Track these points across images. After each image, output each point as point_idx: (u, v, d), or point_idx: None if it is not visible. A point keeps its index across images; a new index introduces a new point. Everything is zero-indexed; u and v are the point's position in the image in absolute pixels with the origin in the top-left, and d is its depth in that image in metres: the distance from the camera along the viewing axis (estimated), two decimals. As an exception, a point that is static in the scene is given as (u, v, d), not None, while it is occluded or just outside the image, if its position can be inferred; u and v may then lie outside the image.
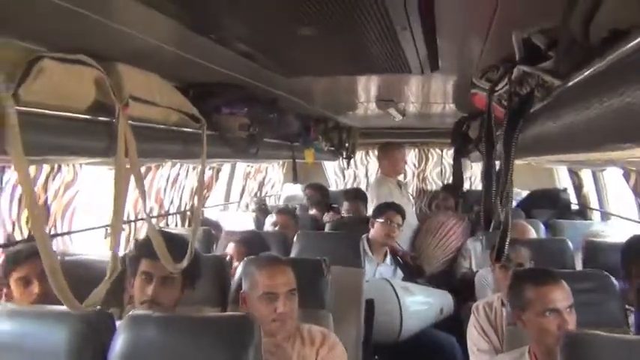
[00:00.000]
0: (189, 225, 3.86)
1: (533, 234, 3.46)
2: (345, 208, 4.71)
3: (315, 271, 2.48)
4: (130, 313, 1.67)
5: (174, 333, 1.61)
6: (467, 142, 3.61)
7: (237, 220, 4.34)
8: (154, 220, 3.49)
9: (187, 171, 3.77)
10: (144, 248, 1.98)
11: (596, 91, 0.92)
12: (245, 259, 2.42)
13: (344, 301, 2.80)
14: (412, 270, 4.10)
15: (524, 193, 5.58)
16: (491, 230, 1.56)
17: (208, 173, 4.20)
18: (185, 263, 1.57)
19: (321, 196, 5.23)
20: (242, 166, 5.18)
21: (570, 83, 1.05)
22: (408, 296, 3.46)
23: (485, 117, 1.47)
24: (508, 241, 1.48)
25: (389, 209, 3.78)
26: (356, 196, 4.80)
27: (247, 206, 4.93)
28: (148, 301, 1.93)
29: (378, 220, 3.71)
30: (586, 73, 0.98)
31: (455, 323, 3.71)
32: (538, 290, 1.99)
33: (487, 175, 1.51)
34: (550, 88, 1.16)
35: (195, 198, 3.87)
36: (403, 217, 3.78)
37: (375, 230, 3.71)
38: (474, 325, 2.70)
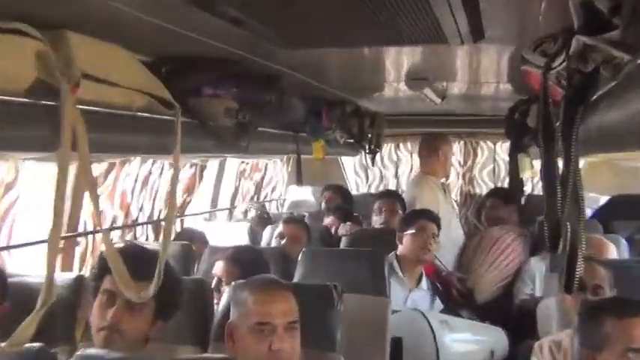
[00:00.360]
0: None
1: (613, 252, 3.42)
2: (376, 214, 4.69)
3: (322, 300, 2.47)
4: (79, 352, 1.68)
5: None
6: (524, 134, 3.59)
7: (228, 231, 4.35)
8: (118, 233, 3.53)
9: (162, 168, 3.78)
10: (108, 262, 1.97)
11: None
12: (233, 282, 2.43)
13: (362, 341, 2.80)
14: (459, 297, 4.10)
15: (603, 200, 5.54)
16: (559, 251, 1.54)
17: (189, 172, 4.21)
18: (152, 289, 1.58)
19: (342, 200, 5.23)
20: (235, 163, 5.20)
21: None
22: (448, 334, 3.45)
23: (541, 100, 1.46)
24: (580, 264, 1.47)
25: (420, 217, 3.79)
26: (392, 196, 4.78)
27: (246, 213, 4.94)
28: (107, 327, 1.93)
29: (407, 232, 3.72)
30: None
31: (509, 367, 3.70)
32: (619, 324, 1.99)
33: (548, 176, 1.50)
34: (619, 66, 1.14)
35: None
36: (439, 227, 3.80)
37: (405, 245, 3.72)
38: None
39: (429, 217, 3.81)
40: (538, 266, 4.33)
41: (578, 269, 1.52)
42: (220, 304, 2.51)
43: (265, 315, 2.01)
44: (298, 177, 3.62)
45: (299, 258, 3.28)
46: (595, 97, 1.30)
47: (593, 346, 2.05)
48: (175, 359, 1.76)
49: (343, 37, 2.03)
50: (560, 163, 1.55)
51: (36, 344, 1.61)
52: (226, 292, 2.50)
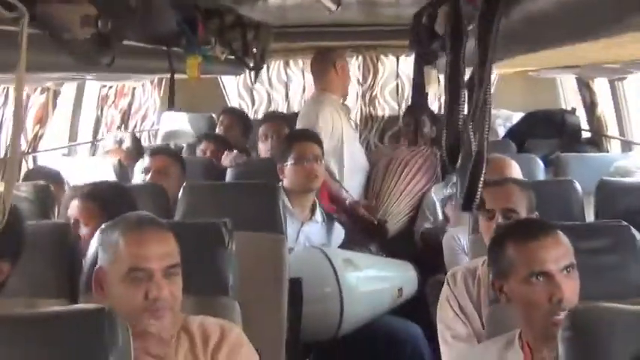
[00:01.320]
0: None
1: (516, 171, 3.54)
2: (261, 141, 4.69)
3: (211, 239, 2.47)
4: None
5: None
6: (430, 43, 3.63)
7: (91, 168, 4.24)
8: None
9: (7, 95, 3.62)
10: None
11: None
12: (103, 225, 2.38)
13: (257, 283, 2.82)
14: (369, 228, 4.19)
15: (516, 117, 5.75)
16: (458, 166, 1.58)
17: (40, 99, 4.05)
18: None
19: (243, 126, 5.15)
20: (95, 87, 5.04)
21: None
22: (351, 272, 3.54)
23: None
24: (482, 181, 1.51)
25: (298, 141, 3.81)
26: (278, 118, 4.77)
27: (120, 142, 4.79)
28: None
29: (287, 162, 3.74)
30: None
31: (418, 306, 3.84)
32: (521, 247, 2.07)
33: (452, 87, 1.52)
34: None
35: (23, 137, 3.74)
36: (321, 146, 3.84)
37: (288, 177, 3.75)
38: (449, 300, 2.79)
39: (309, 138, 3.84)
40: (440, 194, 4.48)
41: (479, 187, 1.55)
42: (89, 250, 2.46)
43: (140, 259, 1.99)
44: (171, 100, 3.52)
45: (179, 194, 3.23)
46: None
47: (500, 274, 2.14)
48: (41, 311, 1.70)
49: None
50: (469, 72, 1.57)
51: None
52: (95, 236, 2.45)
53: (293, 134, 3.98)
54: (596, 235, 2.38)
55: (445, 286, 2.82)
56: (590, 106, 4.96)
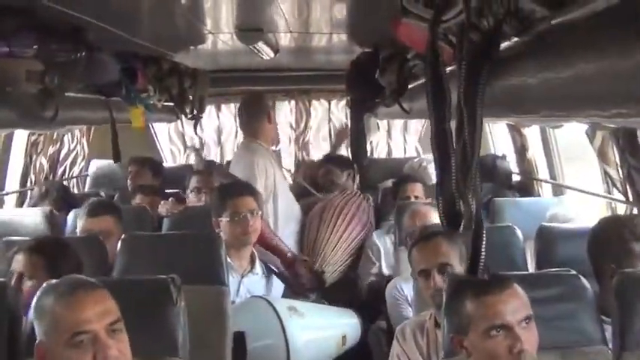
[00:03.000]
0: None
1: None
2: (194, 194, 4.63)
3: (159, 297, 2.41)
4: None
5: None
6: (373, 92, 3.67)
7: (21, 220, 4.10)
8: None
9: None
10: None
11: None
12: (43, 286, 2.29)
13: (200, 338, 2.75)
14: (309, 283, 4.15)
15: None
16: (461, 230, 1.57)
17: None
18: None
19: (152, 175, 5.10)
20: (23, 134, 4.90)
21: (562, 19, 1.05)
22: (296, 320, 3.49)
23: (429, 58, 1.47)
24: (484, 247, 1.51)
25: (229, 195, 3.72)
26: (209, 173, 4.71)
27: (46, 194, 4.64)
28: None
29: (222, 217, 3.67)
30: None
31: (361, 354, 3.82)
32: (479, 302, 2.08)
33: (440, 145, 1.51)
34: (529, 20, 1.17)
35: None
36: (256, 198, 3.78)
37: (224, 232, 3.65)
38: (399, 357, 2.79)
39: (243, 192, 3.75)
40: (382, 241, 4.49)
41: (482, 253, 1.56)
42: (30, 311, 2.35)
43: (80, 323, 1.93)
44: (115, 152, 3.44)
45: (118, 247, 3.15)
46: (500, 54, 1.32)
47: (459, 329, 2.15)
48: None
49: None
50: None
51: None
52: (36, 297, 2.35)
53: (227, 188, 3.86)
54: (548, 285, 2.41)
55: (395, 342, 2.82)
56: (521, 150, 5.07)
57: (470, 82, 1.31)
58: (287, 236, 4.41)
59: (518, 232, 3.35)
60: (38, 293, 2.10)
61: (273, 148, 4.94)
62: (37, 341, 2.00)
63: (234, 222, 3.64)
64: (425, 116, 3.19)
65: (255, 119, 4.65)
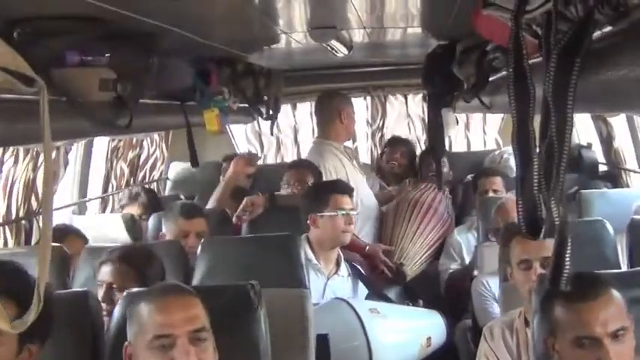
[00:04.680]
0: (27, 242, 3.65)
1: None
2: (284, 188, 4.60)
3: (242, 303, 2.39)
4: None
5: None
6: (450, 85, 3.58)
7: (104, 226, 4.15)
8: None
9: (16, 157, 3.55)
10: None
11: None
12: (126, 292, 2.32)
13: (282, 342, 2.72)
14: (388, 273, 4.10)
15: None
16: (542, 237, 1.48)
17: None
18: (31, 315, 1.43)
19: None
20: (104, 141, 4.98)
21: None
22: (378, 322, 3.45)
23: (512, 52, 1.38)
24: (568, 256, 1.41)
25: (334, 191, 3.73)
26: (303, 166, 4.59)
27: (136, 197, 4.69)
28: None
29: (323, 212, 3.65)
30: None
31: (448, 355, 3.74)
32: (568, 309, 2.00)
33: (522, 144, 1.43)
34: (624, 7, 1.08)
35: (34, 198, 3.66)
36: (352, 197, 3.78)
37: (322, 229, 3.66)
38: (487, 357, 2.72)
39: (344, 190, 3.77)
40: (464, 237, 4.41)
41: (566, 263, 1.47)
42: (113, 318, 2.37)
43: (163, 326, 1.94)
44: (192, 155, 3.44)
45: (198, 251, 3.15)
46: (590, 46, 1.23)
47: (549, 332, 2.08)
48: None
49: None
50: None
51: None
52: (119, 302, 2.37)
53: (328, 185, 3.88)
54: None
55: (482, 341, 2.76)
56: (607, 139, 4.88)
57: (560, 77, 1.22)
58: (366, 234, 4.37)
59: (609, 226, 3.20)
60: (126, 296, 2.13)
61: (350, 144, 4.87)
62: (126, 342, 2.03)
63: (336, 218, 3.64)
64: (506, 111, 3.09)
65: (325, 119, 4.68)
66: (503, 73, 2.65)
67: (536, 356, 2.25)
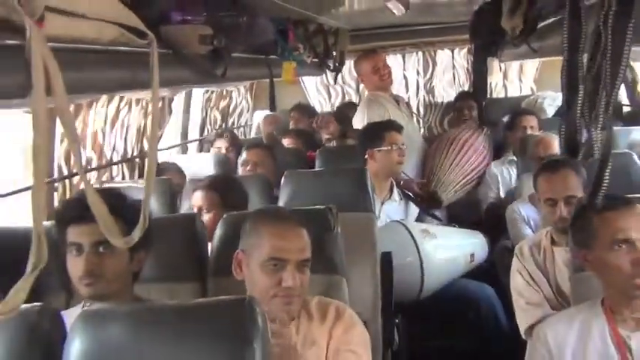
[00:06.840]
0: (141, 176, 3.69)
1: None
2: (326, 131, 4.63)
3: (321, 224, 2.35)
4: (82, 311, 1.52)
5: (150, 332, 1.47)
6: (495, 37, 3.42)
7: (200, 163, 4.17)
8: (94, 174, 3.32)
9: (130, 105, 3.56)
10: (67, 211, 1.93)
11: None
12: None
13: (356, 259, 2.69)
14: (424, 202, 4.04)
15: (560, 98, 5.45)
16: (579, 158, 1.39)
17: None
18: (138, 233, 1.40)
19: (308, 119, 5.11)
20: (200, 93, 4.97)
21: None
22: (428, 241, 3.40)
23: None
24: (606, 180, 1.33)
25: (387, 129, 3.67)
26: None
27: (222, 134, 4.74)
28: (85, 277, 1.86)
29: (380, 147, 3.59)
30: None
31: (488, 269, 3.68)
32: (604, 218, 1.94)
33: (570, 75, 1.33)
34: None
35: (145, 140, 3.69)
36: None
37: (379, 161, 3.61)
38: (520, 271, 2.64)
39: (395, 127, 3.71)
40: (499, 169, 4.32)
41: (604, 184, 1.38)
42: (214, 237, 2.37)
43: (280, 250, 1.88)
44: (272, 101, 3.41)
45: (282, 182, 3.12)
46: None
47: (584, 244, 2.01)
48: (188, 304, 1.59)
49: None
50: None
51: (37, 304, 1.46)
52: (220, 223, 2.37)
53: (383, 124, 3.81)
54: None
55: (514, 258, 2.68)
56: (632, 82, 4.66)
57: (619, 16, 1.11)
58: (410, 167, 4.23)
59: (636, 158, 3.06)
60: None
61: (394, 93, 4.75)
62: (238, 249, 1.97)
63: (391, 152, 3.60)
64: (552, 54, 2.93)
65: (366, 77, 4.56)
66: (550, 20, 2.50)
67: (574, 268, 2.18)
